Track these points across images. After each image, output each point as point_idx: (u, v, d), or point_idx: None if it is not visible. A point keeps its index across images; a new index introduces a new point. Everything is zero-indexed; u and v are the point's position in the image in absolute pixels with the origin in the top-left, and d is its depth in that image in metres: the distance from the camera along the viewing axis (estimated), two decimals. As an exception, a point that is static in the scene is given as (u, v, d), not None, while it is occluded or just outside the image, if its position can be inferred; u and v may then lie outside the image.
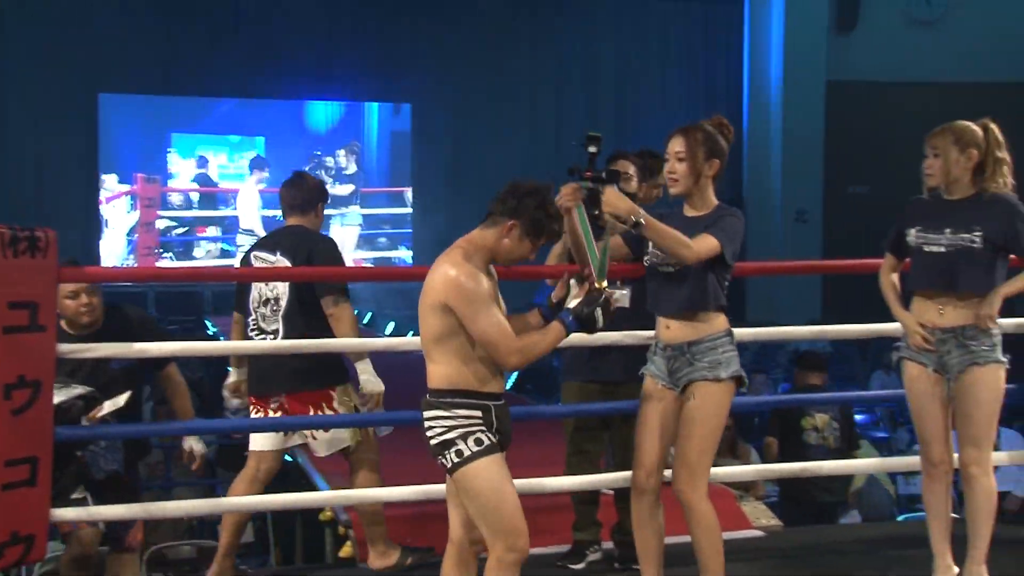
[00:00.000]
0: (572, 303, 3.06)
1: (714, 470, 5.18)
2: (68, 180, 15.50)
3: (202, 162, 16.34)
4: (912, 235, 3.62)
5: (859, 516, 6.08)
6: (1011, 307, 4.51)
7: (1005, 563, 3.86)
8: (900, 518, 5.75)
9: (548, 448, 4.97)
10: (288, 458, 5.82)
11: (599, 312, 3.02)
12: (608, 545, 4.18)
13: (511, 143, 16.99)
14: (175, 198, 16.26)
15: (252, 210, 16.12)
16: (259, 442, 4.12)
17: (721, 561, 3.37)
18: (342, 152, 16.59)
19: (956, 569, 3.66)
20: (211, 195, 16.48)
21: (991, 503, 3.59)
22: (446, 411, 2.98)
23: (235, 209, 16.28)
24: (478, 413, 2.99)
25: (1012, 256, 3.61)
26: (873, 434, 8.33)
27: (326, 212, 4.47)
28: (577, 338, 3.26)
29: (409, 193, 16.80)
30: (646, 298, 3.54)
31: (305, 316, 4.05)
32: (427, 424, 3.01)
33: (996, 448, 5.35)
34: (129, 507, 3.84)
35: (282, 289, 4.07)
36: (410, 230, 16.67)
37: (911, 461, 5.23)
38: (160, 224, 16.00)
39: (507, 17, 17.09)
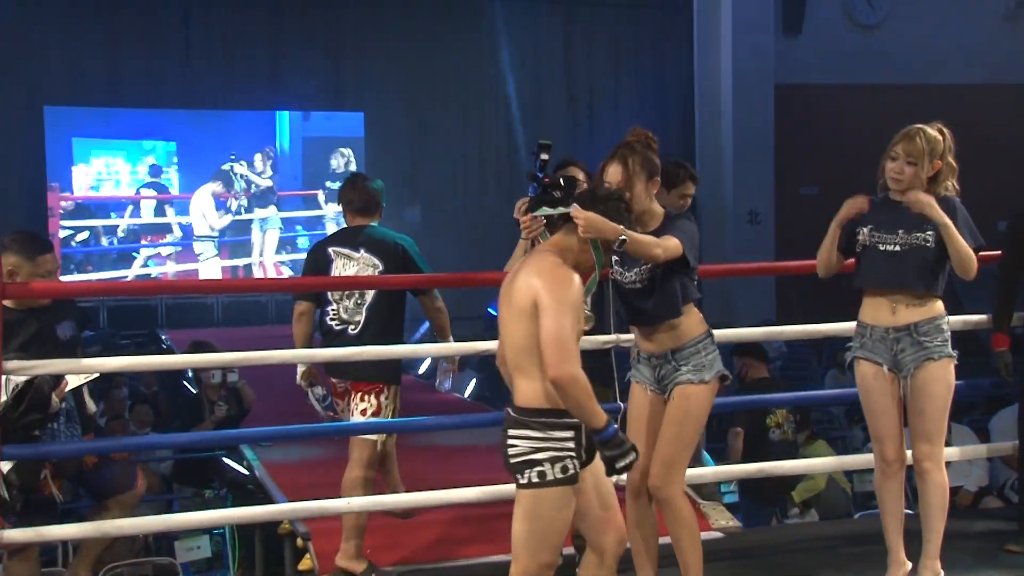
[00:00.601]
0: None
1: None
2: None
3: (155, 171, 16.17)
4: (864, 234, 3.67)
5: (816, 515, 6.17)
6: (959, 304, 4.60)
7: (957, 558, 3.93)
8: (856, 515, 5.81)
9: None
10: (245, 472, 5.80)
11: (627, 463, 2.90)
12: (568, 550, 4.19)
13: (462, 149, 17.06)
14: (68, 205, 15.82)
15: (205, 216, 16.03)
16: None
17: (700, 555, 3.42)
18: (258, 157, 16.58)
19: (909, 565, 3.72)
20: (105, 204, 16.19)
21: (944, 498, 3.66)
22: (539, 431, 2.85)
23: (141, 217, 16.07)
24: (571, 434, 2.88)
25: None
26: (829, 433, 8.43)
27: (248, 216, 4.73)
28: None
29: (321, 196, 16.70)
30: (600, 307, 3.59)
31: (390, 310, 4.33)
32: (512, 440, 2.88)
33: (948, 443, 5.49)
34: (81, 526, 3.79)
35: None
36: (324, 232, 16.55)
37: (867, 459, 5.32)
38: (63, 234, 15.55)
39: (457, 22, 17.09)
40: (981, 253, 3.68)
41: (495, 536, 4.36)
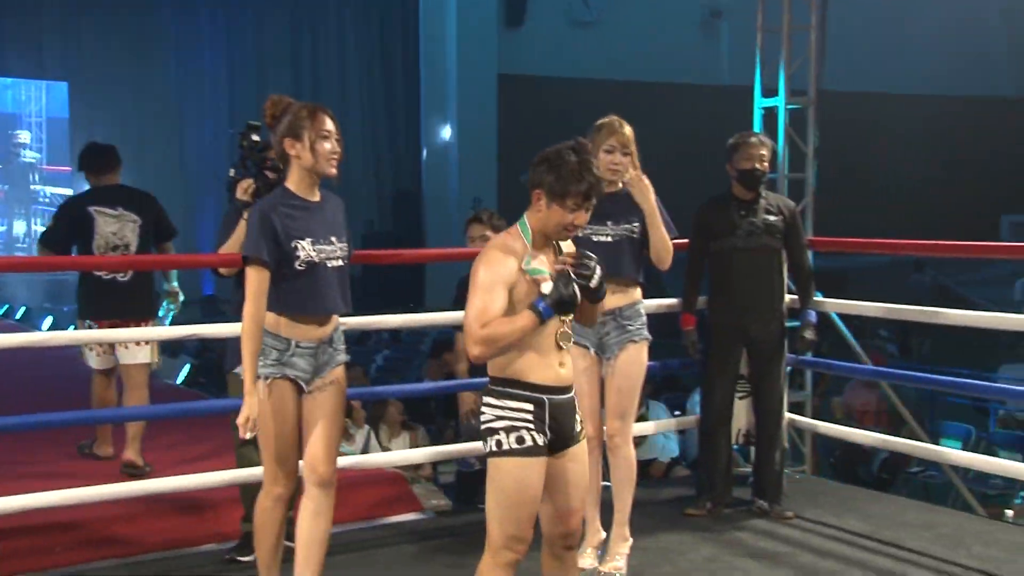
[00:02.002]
0: (546, 288, 2.79)
1: (392, 455, 5.28)
2: None
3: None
4: None
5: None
6: (662, 290, 4.93)
7: (645, 522, 4.22)
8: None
9: (218, 442, 4.88)
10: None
11: (575, 288, 2.77)
12: None
13: (178, 125, 16.40)
14: None
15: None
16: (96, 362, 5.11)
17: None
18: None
19: (604, 534, 3.96)
20: None
21: (633, 471, 3.91)
22: (497, 400, 2.83)
23: None
24: (529, 407, 2.81)
25: None
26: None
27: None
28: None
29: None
30: None
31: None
32: (481, 407, 2.88)
33: (645, 419, 5.88)
34: None
35: (131, 238, 4.98)
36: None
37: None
38: None
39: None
40: (674, 241, 3.95)
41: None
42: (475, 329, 2.73)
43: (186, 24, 17.06)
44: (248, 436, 3.20)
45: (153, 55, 16.70)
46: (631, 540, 3.93)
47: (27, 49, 15.76)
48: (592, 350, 3.87)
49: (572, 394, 2.92)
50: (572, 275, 2.77)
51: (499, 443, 2.81)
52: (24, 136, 16.40)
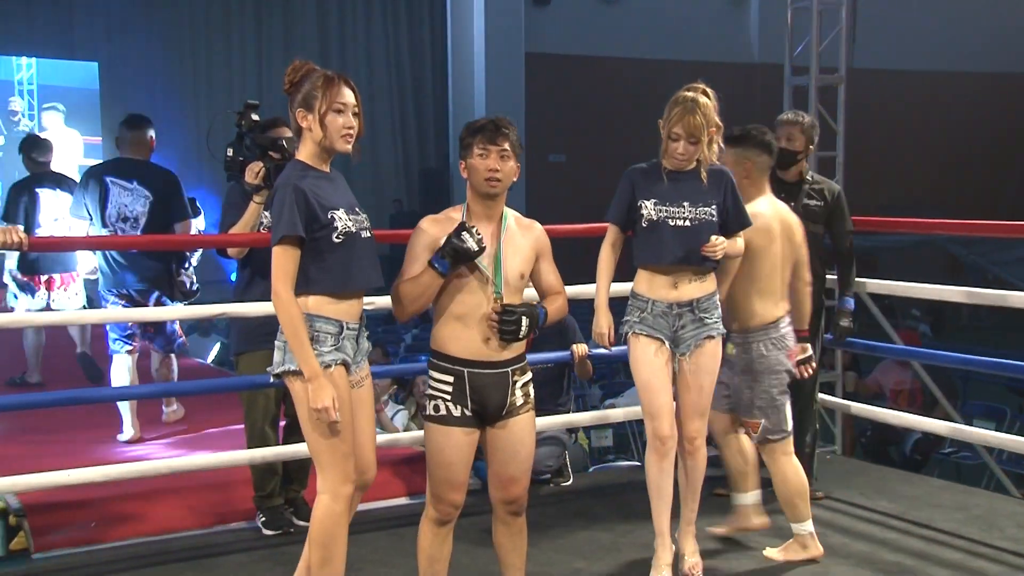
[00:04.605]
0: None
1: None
2: None
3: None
4: (649, 208, 3.49)
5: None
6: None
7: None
8: (592, 469, 6.09)
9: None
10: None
11: (466, 236, 2.92)
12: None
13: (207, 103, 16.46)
14: None
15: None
16: None
17: None
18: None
19: (675, 547, 3.68)
20: None
21: (704, 471, 3.68)
22: (431, 370, 3.03)
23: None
24: (449, 379, 3.00)
25: None
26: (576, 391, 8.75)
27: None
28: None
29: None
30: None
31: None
32: None
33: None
34: None
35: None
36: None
37: (603, 414, 5.58)
38: None
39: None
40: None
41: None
42: (391, 292, 3.01)
43: (214, 2, 17.11)
44: (334, 419, 2.87)
45: (182, 35, 16.75)
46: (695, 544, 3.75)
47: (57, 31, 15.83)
48: (667, 343, 3.52)
49: (507, 368, 3.02)
50: (463, 229, 2.95)
51: (424, 410, 3.07)
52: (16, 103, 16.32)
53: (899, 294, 5.09)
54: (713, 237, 3.45)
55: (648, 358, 3.52)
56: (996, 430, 6.47)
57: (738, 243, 3.60)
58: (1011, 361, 4.61)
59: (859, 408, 5.30)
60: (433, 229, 3.03)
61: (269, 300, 2.90)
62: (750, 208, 3.66)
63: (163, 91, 16.33)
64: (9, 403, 4.88)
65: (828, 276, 4.75)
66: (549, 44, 17.45)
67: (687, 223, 3.46)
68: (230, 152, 3.91)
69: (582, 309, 4.30)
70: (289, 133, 3.81)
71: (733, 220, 3.55)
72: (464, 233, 2.92)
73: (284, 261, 2.84)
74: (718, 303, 3.57)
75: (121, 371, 5.23)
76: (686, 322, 3.51)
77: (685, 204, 3.47)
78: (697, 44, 17.27)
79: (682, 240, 3.45)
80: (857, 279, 4.82)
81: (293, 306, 2.83)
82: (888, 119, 18.28)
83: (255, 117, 3.65)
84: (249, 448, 4.15)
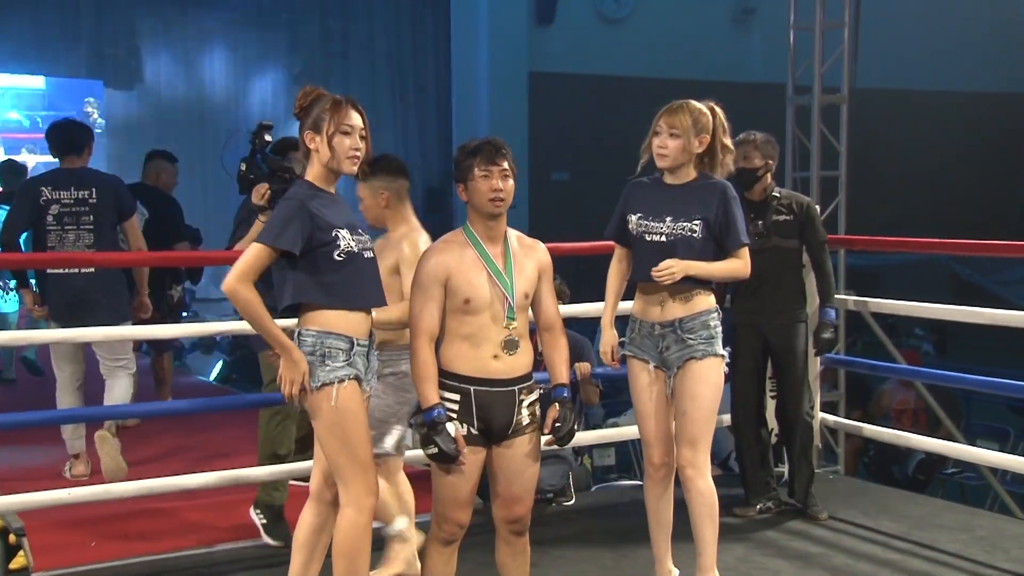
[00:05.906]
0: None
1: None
2: None
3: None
4: (633, 222, 3.45)
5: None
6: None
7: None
8: (594, 488, 6.08)
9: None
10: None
11: (446, 439, 2.92)
12: None
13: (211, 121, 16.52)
14: None
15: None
16: None
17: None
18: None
19: (677, 571, 3.60)
20: None
21: (712, 506, 3.43)
22: (441, 389, 2.98)
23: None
24: (456, 397, 2.98)
25: None
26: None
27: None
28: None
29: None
30: None
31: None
32: None
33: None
34: None
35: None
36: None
37: (605, 433, 5.58)
38: None
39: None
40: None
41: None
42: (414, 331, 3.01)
43: (215, 20, 17.16)
44: (295, 398, 2.89)
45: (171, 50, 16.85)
46: None
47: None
48: (652, 365, 3.42)
49: (514, 387, 3.00)
50: (443, 428, 2.92)
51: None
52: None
53: (901, 313, 5.09)
54: (667, 260, 3.31)
55: (636, 383, 3.49)
56: (999, 450, 6.44)
57: (726, 265, 3.40)
58: (1015, 381, 4.61)
59: (868, 430, 5.27)
60: (439, 258, 3.03)
61: (275, 311, 2.93)
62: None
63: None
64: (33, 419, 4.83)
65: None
66: (553, 63, 17.49)
67: (663, 238, 3.36)
68: (243, 167, 3.94)
69: (585, 328, 4.30)
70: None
71: (724, 237, 3.40)
72: (445, 435, 2.92)
73: (256, 260, 2.85)
74: (711, 323, 3.38)
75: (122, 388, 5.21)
76: (670, 343, 3.38)
77: (667, 219, 3.37)
78: (700, 63, 17.31)
79: (659, 256, 3.34)
80: (859, 298, 4.83)
81: (246, 291, 2.82)
82: (891, 138, 18.29)
83: (268, 138, 3.67)
84: (261, 458, 4.15)
